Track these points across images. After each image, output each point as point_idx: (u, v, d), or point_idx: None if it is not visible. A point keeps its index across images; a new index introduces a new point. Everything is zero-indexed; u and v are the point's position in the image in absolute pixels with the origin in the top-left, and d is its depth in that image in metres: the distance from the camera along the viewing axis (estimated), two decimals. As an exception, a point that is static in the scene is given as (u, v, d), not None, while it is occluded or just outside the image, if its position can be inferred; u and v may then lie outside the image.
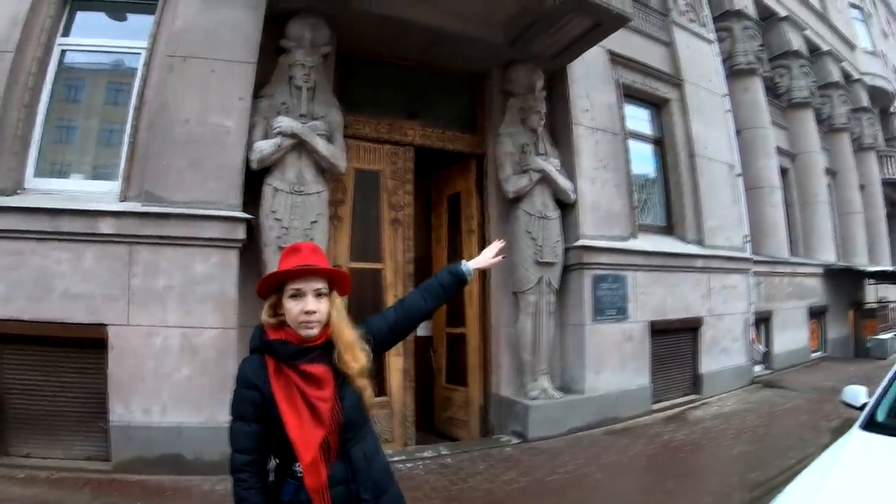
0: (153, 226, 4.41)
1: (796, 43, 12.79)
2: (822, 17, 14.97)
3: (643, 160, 8.04)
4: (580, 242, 6.43)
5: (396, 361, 5.85)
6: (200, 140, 4.66)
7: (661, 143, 8.27)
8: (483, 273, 6.45)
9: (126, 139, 4.73)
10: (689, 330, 7.73)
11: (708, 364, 7.84)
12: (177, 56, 4.77)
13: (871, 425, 2.97)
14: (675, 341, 7.54)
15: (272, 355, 1.69)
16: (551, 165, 6.35)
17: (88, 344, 4.29)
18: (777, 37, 12.64)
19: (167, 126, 4.63)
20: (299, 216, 4.85)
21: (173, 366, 4.37)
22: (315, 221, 4.94)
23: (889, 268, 13.82)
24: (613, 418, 6.36)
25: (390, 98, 6.37)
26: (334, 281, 1.80)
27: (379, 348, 1.89)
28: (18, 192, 4.55)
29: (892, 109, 19.18)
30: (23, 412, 4.30)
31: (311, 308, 1.70)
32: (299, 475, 1.64)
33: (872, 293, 14.00)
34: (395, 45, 6.06)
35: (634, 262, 6.91)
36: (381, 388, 5.69)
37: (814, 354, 11.35)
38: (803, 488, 2.50)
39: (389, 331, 1.96)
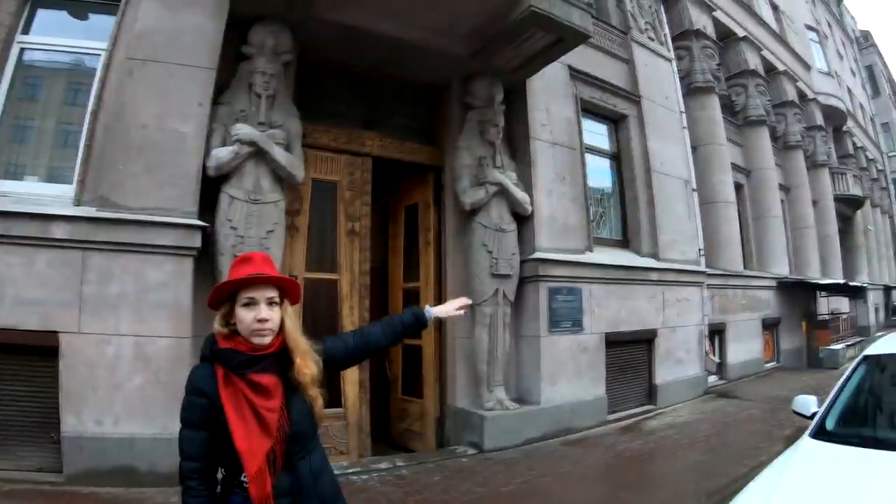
0: (107, 231, 4.39)
1: (753, 62, 13.50)
2: (779, 38, 15.79)
3: (600, 174, 8.40)
4: (536, 255, 6.66)
5: (352, 373, 5.90)
6: (158, 145, 4.66)
7: (618, 158, 8.64)
8: (438, 285, 6.64)
9: (82, 142, 4.70)
10: (643, 342, 8.07)
11: (663, 375, 8.18)
12: (136, 59, 4.76)
13: (820, 433, 3.10)
14: (630, 353, 7.86)
15: (222, 364, 1.72)
16: (508, 178, 6.53)
17: (40, 352, 4.25)
18: (734, 56, 13.35)
19: (124, 130, 4.62)
20: (255, 225, 4.88)
21: (126, 375, 4.36)
22: (271, 231, 4.98)
23: (841, 281, 14.67)
24: (569, 429, 6.56)
25: (350, 108, 6.48)
26: (286, 290, 1.84)
27: (329, 368, 1.93)
28: (-31, 193, 4.48)
29: (844, 128, 20.23)
30: (-29, 422, 4.22)
31: (265, 316, 1.74)
32: (246, 486, 1.65)
33: (825, 305, 14.74)
34: (357, 54, 6.18)
35: (590, 275, 7.19)
36: (336, 399, 5.77)
37: (767, 365, 11.93)
38: (754, 496, 2.59)
39: (346, 355, 2.02)
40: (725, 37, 12.99)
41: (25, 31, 4.98)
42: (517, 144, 7.08)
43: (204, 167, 4.80)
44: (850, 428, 3.14)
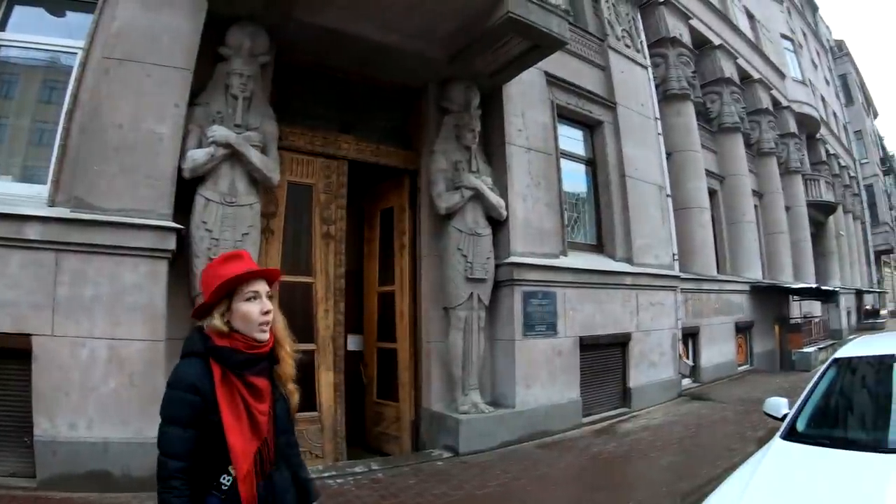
0: (81, 233, 4.38)
1: (728, 70, 13.90)
2: (755, 46, 16.25)
3: (575, 180, 8.61)
4: (511, 259, 6.80)
5: (327, 376, 5.98)
6: (133, 146, 4.66)
7: (593, 164, 8.86)
8: (413, 288, 6.74)
9: (57, 142, 4.68)
10: (618, 345, 8.26)
11: (637, 378, 8.37)
12: (113, 58, 4.76)
13: (791, 435, 3.18)
14: (604, 356, 8.03)
15: (221, 362, 1.71)
16: (484, 183, 6.66)
17: (12, 354, 4.19)
18: (710, 64, 13.73)
19: (100, 130, 4.62)
20: (230, 227, 4.92)
21: (100, 378, 4.32)
22: (246, 233, 5.03)
23: (813, 285, 15.11)
24: (544, 432, 6.69)
25: (326, 110, 6.56)
26: (271, 284, 1.90)
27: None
28: (-60, 193, 4.45)
29: (818, 135, 20.80)
30: (-58, 426, 4.18)
31: (269, 308, 1.79)
32: (224, 488, 1.66)
33: (797, 309, 15.16)
34: (334, 57, 6.25)
35: (564, 279, 7.35)
36: (311, 403, 5.83)
37: (741, 368, 12.26)
38: (725, 497, 2.68)
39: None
40: (701, 45, 13.35)
41: (2, 28, 4.94)
42: (493, 149, 7.22)
43: (179, 169, 4.82)
44: (820, 429, 3.22)
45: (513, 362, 6.68)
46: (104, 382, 4.36)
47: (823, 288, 15.56)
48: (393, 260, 7.08)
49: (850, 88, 33.20)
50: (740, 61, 14.77)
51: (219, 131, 4.91)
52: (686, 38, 12.28)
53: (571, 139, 8.59)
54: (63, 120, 4.72)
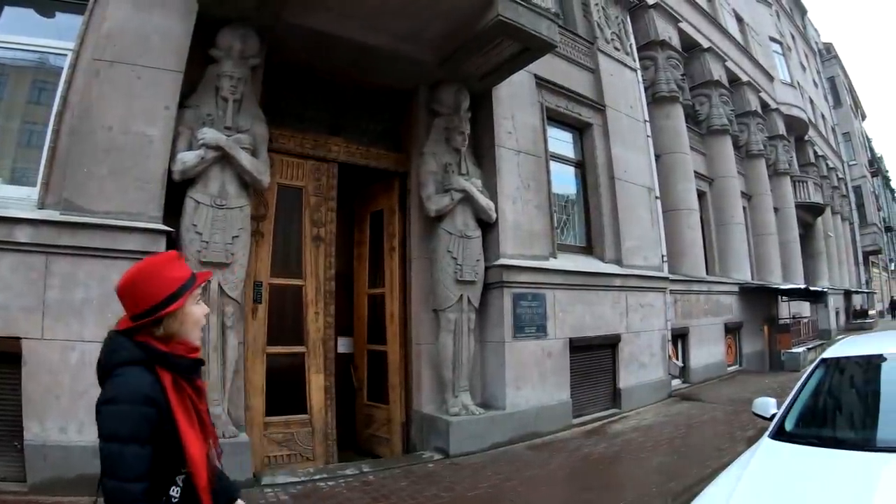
0: (72, 236, 4.38)
1: (717, 73, 14.06)
2: (744, 49, 16.44)
3: (565, 182, 8.70)
4: (501, 261, 6.86)
5: (317, 379, 6.00)
6: (123, 148, 4.67)
7: (582, 166, 8.95)
8: (403, 291, 6.79)
9: (47, 144, 4.67)
10: (607, 346, 8.34)
11: (627, 379, 8.45)
12: (104, 60, 4.75)
13: (780, 434, 3.21)
14: (594, 357, 8.11)
15: (171, 368, 1.60)
16: (473, 185, 6.71)
17: (2, 358, 4.20)
18: (699, 66, 13.89)
19: (90, 132, 4.61)
20: (221, 230, 4.95)
21: (90, 382, 3.95)
22: (237, 236, 5.06)
23: (802, 286, 15.29)
24: (535, 433, 6.74)
25: (316, 113, 6.59)
26: None
27: None
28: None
29: (806, 137, 21.06)
30: (-68, 430, 4.16)
31: (207, 310, 1.76)
32: (175, 500, 1.59)
33: (786, 309, 15.32)
34: (324, 59, 6.29)
35: (554, 281, 7.42)
36: (301, 405, 5.88)
37: (730, 368, 12.40)
38: (714, 497, 2.70)
39: None
40: (690, 47, 13.50)
41: (-9, 29, 4.93)
42: (483, 152, 7.28)
43: (169, 171, 4.83)
44: (808, 428, 3.26)
45: (503, 364, 6.73)
46: (95, 386, 4.04)
47: (812, 289, 15.75)
48: (383, 262, 7.12)
49: (839, 91, 33.63)
50: (729, 64, 14.95)
51: (209, 134, 4.93)
52: (675, 41, 12.42)
53: (561, 141, 8.68)
54: (53, 122, 4.71)
